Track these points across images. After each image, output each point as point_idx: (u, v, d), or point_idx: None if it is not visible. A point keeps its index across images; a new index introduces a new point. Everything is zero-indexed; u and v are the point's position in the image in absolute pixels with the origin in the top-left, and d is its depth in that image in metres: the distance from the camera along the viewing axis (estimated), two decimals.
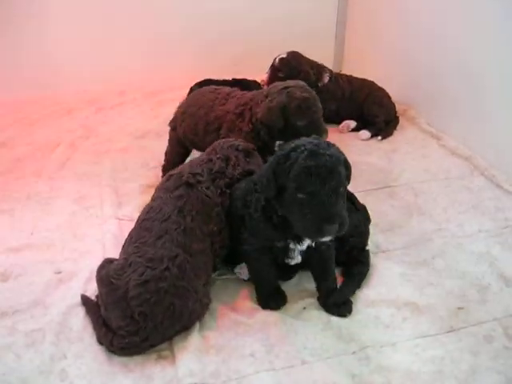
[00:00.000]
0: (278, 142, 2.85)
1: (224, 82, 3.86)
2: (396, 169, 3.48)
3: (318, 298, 2.36)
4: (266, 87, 3.62)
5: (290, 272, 2.49)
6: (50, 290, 2.45)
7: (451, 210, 3.03)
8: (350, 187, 2.26)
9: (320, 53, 4.21)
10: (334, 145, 2.11)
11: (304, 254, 2.30)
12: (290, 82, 2.94)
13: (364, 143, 3.87)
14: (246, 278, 2.46)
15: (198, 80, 4.07)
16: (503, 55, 3.27)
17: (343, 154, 2.12)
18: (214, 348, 2.13)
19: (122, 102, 4.60)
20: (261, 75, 3.85)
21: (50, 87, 4.52)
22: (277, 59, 3.77)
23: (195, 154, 3.20)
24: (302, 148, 2.04)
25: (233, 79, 4.02)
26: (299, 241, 2.23)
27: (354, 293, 2.40)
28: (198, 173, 2.42)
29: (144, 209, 2.38)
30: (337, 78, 4.03)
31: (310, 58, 3.92)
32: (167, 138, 3.42)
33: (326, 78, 3.91)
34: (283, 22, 4.86)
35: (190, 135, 3.19)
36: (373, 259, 2.58)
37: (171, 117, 3.41)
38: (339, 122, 4.01)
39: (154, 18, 4.66)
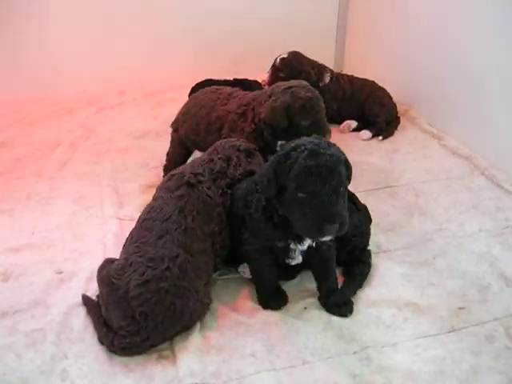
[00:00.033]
0: (279, 142, 2.84)
1: (225, 82, 3.86)
2: (397, 169, 3.47)
3: (319, 298, 2.36)
4: (267, 87, 3.63)
5: (293, 271, 2.48)
6: (51, 289, 2.44)
7: (452, 209, 3.03)
8: (351, 187, 2.26)
9: (320, 54, 4.20)
10: (334, 145, 2.11)
11: (305, 254, 2.30)
12: (293, 82, 2.94)
13: (365, 143, 3.87)
14: (249, 277, 2.46)
15: (198, 80, 4.07)
16: (503, 59, 3.27)
17: (344, 154, 2.12)
18: (214, 348, 2.13)
19: (122, 102, 4.59)
20: (261, 75, 3.85)
21: (49, 87, 4.52)
22: (278, 59, 3.76)
23: (197, 154, 3.19)
24: (303, 147, 2.04)
25: (234, 79, 4.02)
26: (300, 241, 2.23)
27: (355, 293, 2.40)
28: (199, 173, 2.42)
29: (145, 208, 2.38)
30: (338, 77, 4.03)
31: (312, 58, 3.91)
32: (167, 138, 3.42)
33: (327, 78, 3.90)
34: (283, 22, 4.86)
35: (191, 136, 3.19)
36: (374, 259, 2.58)
37: (171, 117, 3.41)
38: (340, 122, 4.01)
39: (154, 17, 4.66)
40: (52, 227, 2.90)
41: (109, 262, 2.22)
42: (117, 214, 2.98)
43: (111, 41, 4.59)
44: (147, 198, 2.65)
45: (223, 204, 2.39)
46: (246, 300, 2.39)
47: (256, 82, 4.01)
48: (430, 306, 2.34)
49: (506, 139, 3.29)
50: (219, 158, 2.51)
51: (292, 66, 3.72)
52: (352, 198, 2.59)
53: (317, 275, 2.38)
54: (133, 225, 2.37)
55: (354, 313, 2.30)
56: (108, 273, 2.13)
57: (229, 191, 2.42)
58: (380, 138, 3.89)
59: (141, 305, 2.01)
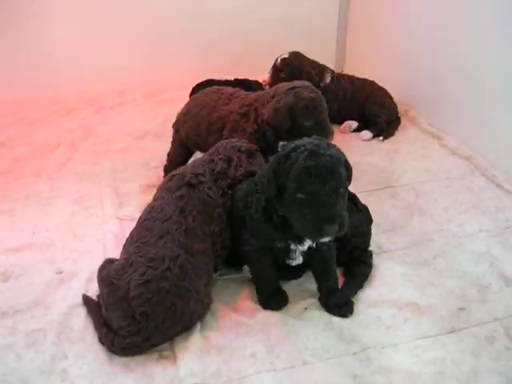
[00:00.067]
0: (281, 143, 2.84)
1: (226, 83, 3.86)
2: (397, 169, 3.47)
3: (320, 299, 2.36)
4: (268, 87, 3.64)
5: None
6: (51, 289, 2.44)
7: (452, 210, 3.03)
8: (351, 187, 2.25)
9: (321, 54, 4.20)
10: (334, 145, 2.11)
11: (305, 254, 2.30)
12: (296, 83, 2.93)
13: (365, 143, 3.87)
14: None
15: (198, 80, 4.07)
16: (503, 59, 3.27)
17: (344, 155, 2.12)
18: (215, 348, 2.13)
19: (122, 102, 4.59)
20: (261, 75, 3.86)
21: (50, 87, 4.52)
22: (279, 59, 3.77)
23: (198, 155, 3.18)
24: (303, 148, 2.04)
25: (235, 79, 4.02)
26: (300, 241, 2.23)
27: (355, 293, 2.39)
28: (200, 173, 2.42)
29: (145, 209, 2.38)
30: (338, 78, 4.03)
31: (312, 58, 3.91)
32: (167, 138, 3.42)
33: (328, 79, 3.90)
34: (283, 22, 4.86)
35: (192, 136, 3.18)
36: (374, 259, 2.57)
37: (171, 117, 3.40)
38: (341, 123, 4.01)
39: (154, 17, 4.66)
40: (52, 227, 2.90)
41: (109, 262, 2.22)
42: (117, 214, 2.98)
43: (111, 41, 4.59)
44: (147, 198, 2.65)
45: (224, 204, 2.39)
46: (247, 300, 2.39)
47: (257, 82, 4.01)
48: (430, 306, 2.34)
49: (506, 139, 3.29)
50: (220, 159, 2.51)
51: (293, 67, 3.72)
52: (353, 199, 2.59)
53: (317, 275, 2.38)
54: (133, 225, 2.37)
55: (354, 313, 2.30)
56: (108, 273, 2.13)
57: (229, 192, 2.42)
58: (380, 138, 3.90)
59: (141, 305, 2.01)
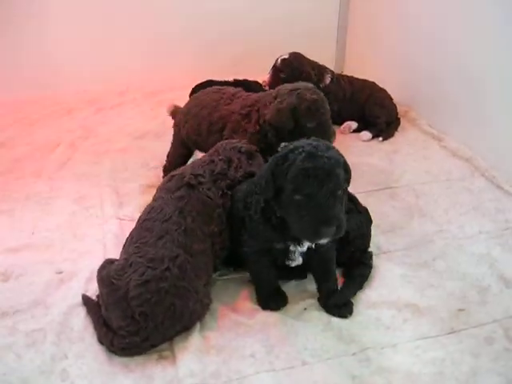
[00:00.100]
0: (282, 144, 2.83)
1: (225, 83, 3.85)
2: (397, 170, 3.47)
3: (319, 299, 2.36)
4: (267, 88, 3.64)
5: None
6: (51, 289, 2.44)
7: (452, 211, 3.03)
8: (350, 188, 2.26)
9: (321, 54, 4.21)
10: (333, 147, 2.11)
11: (305, 255, 2.30)
12: (299, 84, 2.93)
13: (365, 144, 3.87)
14: None
15: (198, 80, 4.06)
16: (503, 59, 3.27)
17: (343, 157, 2.12)
18: (214, 348, 2.13)
19: (122, 102, 4.59)
20: (261, 76, 3.85)
21: (50, 87, 4.51)
22: (279, 60, 3.76)
23: (198, 155, 3.19)
24: (301, 149, 2.03)
25: (234, 80, 4.01)
26: (299, 242, 2.23)
27: (354, 294, 2.40)
28: (199, 174, 2.42)
29: (145, 209, 2.38)
30: (338, 78, 4.03)
31: (312, 59, 3.91)
32: (167, 138, 3.42)
33: (328, 79, 3.90)
34: (283, 22, 4.86)
35: (193, 136, 3.18)
36: (374, 260, 2.57)
37: (170, 118, 3.41)
38: (340, 123, 4.01)
39: (154, 18, 4.66)
40: (52, 227, 2.90)
41: (109, 263, 2.22)
42: (117, 214, 2.98)
43: (111, 41, 4.59)
44: (147, 198, 2.65)
45: (223, 205, 2.39)
46: (246, 301, 2.39)
47: (256, 82, 4.00)
48: (430, 307, 2.34)
49: (506, 140, 3.29)
50: (220, 160, 2.51)
51: (293, 67, 3.72)
52: (352, 200, 2.59)
53: (317, 276, 2.38)
54: (133, 225, 2.37)
55: (353, 314, 2.30)
56: (108, 273, 2.13)
57: (229, 192, 2.43)
58: (380, 139, 3.90)
59: (141, 305, 2.01)
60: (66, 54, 4.56)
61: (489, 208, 3.05)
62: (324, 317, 2.29)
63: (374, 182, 3.32)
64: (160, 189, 2.46)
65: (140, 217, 2.36)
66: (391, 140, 3.92)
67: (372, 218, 2.64)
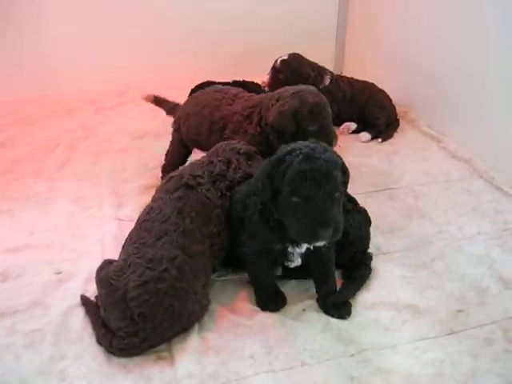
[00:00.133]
0: (283, 146, 2.83)
1: (224, 85, 3.85)
2: (396, 171, 3.48)
3: (318, 300, 2.36)
4: (267, 89, 3.65)
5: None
6: (50, 290, 2.44)
7: (451, 212, 3.03)
8: (349, 189, 2.27)
9: (320, 55, 4.21)
10: (331, 149, 2.11)
11: (304, 256, 2.30)
12: (301, 87, 2.92)
13: (364, 145, 3.87)
14: None
15: (198, 80, 4.05)
16: (503, 59, 3.26)
17: (341, 159, 2.12)
18: (213, 349, 2.12)
19: (122, 102, 4.59)
20: (261, 76, 3.85)
21: (50, 87, 4.51)
22: (278, 61, 3.77)
23: (198, 155, 3.17)
24: (298, 151, 2.03)
25: (233, 81, 4.01)
26: (297, 244, 2.22)
27: (353, 295, 2.40)
28: (198, 175, 2.42)
29: (144, 210, 2.38)
30: (337, 80, 4.03)
31: (311, 60, 3.91)
32: (166, 138, 3.41)
33: (327, 80, 3.90)
34: (283, 23, 4.86)
35: (193, 135, 3.18)
36: (373, 261, 2.57)
37: (170, 117, 3.41)
38: (340, 124, 4.00)
39: (154, 18, 4.66)
40: (51, 227, 2.90)
41: (107, 263, 2.22)
42: (116, 215, 2.98)
43: (111, 41, 4.59)
44: (146, 198, 2.65)
45: (222, 206, 2.39)
46: (245, 302, 2.39)
47: (255, 83, 3.99)
48: (429, 308, 2.34)
49: (506, 142, 3.29)
50: (219, 161, 2.51)
51: (292, 68, 3.73)
52: (351, 201, 2.59)
53: (316, 277, 2.37)
54: (132, 226, 2.37)
55: (352, 315, 2.30)
56: (107, 274, 2.13)
57: (228, 193, 2.42)
58: (379, 140, 3.90)
59: (139, 306, 2.02)
60: (66, 54, 4.56)
61: (488, 209, 3.05)
62: (323, 318, 2.29)
63: (373, 183, 3.32)
64: (159, 189, 2.46)
65: (139, 217, 2.36)
66: (390, 141, 3.92)
67: (371, 219, 2.64)
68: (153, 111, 4.30)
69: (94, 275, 2.24)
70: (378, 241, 2.75)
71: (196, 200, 2.32)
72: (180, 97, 3.82)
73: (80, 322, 2.25)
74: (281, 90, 2.98)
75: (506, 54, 3.24)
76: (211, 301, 2.27)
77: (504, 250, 2.71)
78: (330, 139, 2.75)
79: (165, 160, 3.36)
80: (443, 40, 3.77)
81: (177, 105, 3.53)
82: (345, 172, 2.11)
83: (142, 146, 3.84)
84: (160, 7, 4.63)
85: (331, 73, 4.02)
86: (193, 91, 3.89)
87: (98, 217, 3.00)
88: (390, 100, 4.08)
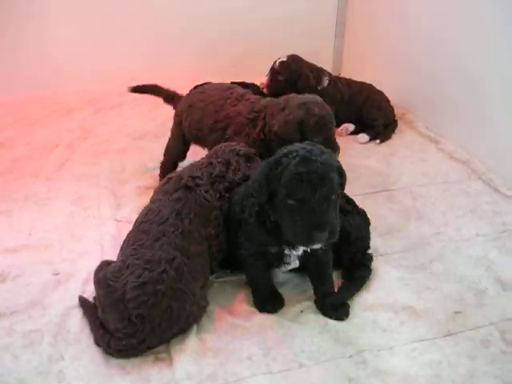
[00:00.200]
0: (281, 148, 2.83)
1: None
2: (394, 172, 3.48)
3: (315, 302, 2.36)
4: (265, 90, 3.65)
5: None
6: (48, 290, 2.45)
7: (449, 213, 3.04)
8: (347, 191, 2.27)
9: (319, 56, 4.22)
10: (328, 151, 2.10)
11: (301, 258, 2.30)
12: (308, 98, 2.90)
13: (362, 146, 3.88)
14: None
15: (198, 80, 4.03)
16: (503, 60, 3.27)
17: (338, 162, 2.12)
18: (211, 351, 2.13)
19: (122, 102, 4.60)
20: (260, 77, 3.85)
21: (50, 87, 4.52)
22: (277, 62, 3.78)
23: (198, 156, 3.17)
24: (294, 154, 2.03)
25: (231, 83, 4.01)
26: (293, 246, 2.22)
27: (352, 296, 2.40)
28: (197, 176, 2.42)
29: (142, 211, 2.39)
30: (336, 81, 4.03)
31: (310, 61, 3.91)
32: (165, 139, 3.41)
33: (326, 82, 3.91)
34: (282, 23, 4.86)
35: (194, 130, 3.17)
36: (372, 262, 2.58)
37: (170, 118, 3.40)
38: (338, 126, 3.97)
39: (154, 18, 4.66)
40: (50, 228, 2.91)
41: (106, 264, 2.23)
42: (114, 216, 2.99)
43: (111, 41, 4.60)
44: (144, 199, 2.66)
45: (221, 207, 2.39)
46: (243, 303, 2.39)
47: (254, 85, 3.99)
48: (427, 310, 2.34)
49: (504, 143, 3.29)
50: (219, 162, 2.51)
51: (291, 70, 3.74)
52: (349, 202, 2.60)
53: (313, 279, 2.38)
54: (130, 227, 2.37)
55: (350, 316, 2.30)
56: (105, 275, 2.13)
57: (227, 195, 2.43)
58: (377, 141, 3.91)
59: (137, 307, 2.02)
60: (66, 54, 4.56)
61: (486, 211, 3.05)
62: (321, 319, 2.29)
63: (371, 184, 3.32)
64: (157, 191, 2.47)
65: (137, 219, 2.36)
66: (388, 142, 3.93)
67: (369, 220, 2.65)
68: (151, 112, 4.33)
69: (92, 276, 2.25)
70: (375, 242, 2.74)
71: (195, 201, 2.33)
72: None
73: (78, 322, 2.25)
74: (287, 97, 2.96)
75: (505, 54, 3.24)
76: (209, 302, 2.28)
77: (502, 251, 2.72)
78: (334, 150, 2.75)
79: (164, 155, 3.36)
80: (442, 41, 3.77)
81: (176, 94, 3.50)
82: (341, 174, 2.11)
83: (141, 146, 3.84)
84: (160, 7, 4.63)
85: (329, 74, 4.03)
86: None
87: (96, 217, 3.00)
88: (388, 101, 4.09)
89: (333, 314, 2.30)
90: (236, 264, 2.45)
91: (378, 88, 4.12)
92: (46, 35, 4.50)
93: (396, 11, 4.32)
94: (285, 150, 2.10)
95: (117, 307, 2.05)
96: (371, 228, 2.66)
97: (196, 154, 3.23)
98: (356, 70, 4.51)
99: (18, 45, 4.45)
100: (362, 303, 2.38)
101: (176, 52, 4.80)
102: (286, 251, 2.24)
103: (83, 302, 2.32)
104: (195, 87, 3.87)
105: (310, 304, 2.37)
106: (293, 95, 2.99)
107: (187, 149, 3.36)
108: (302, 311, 2.34)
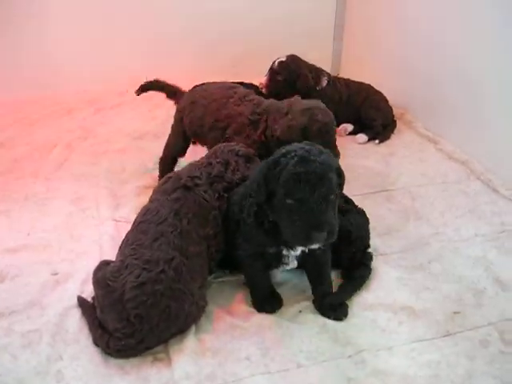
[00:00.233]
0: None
1: None
2: (393, 172, 3.48)
3: (314, 302, 2.36)
4: (264, 90, 3.65)
5: None
6: (47, 290, 2.45)
7: (448, 214, 3.04)
8: (346, 191, 2.27)
9: (317, 56, 4.22)
10: (326, 152, 2.10)
11: (299, 258, 2.30)
12: (311, 103, 2.88)
13: (361, 147, 3.88)
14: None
15: (198, 81, 4.03)
16: (501, 62, 3.26)
17: (336, 162, 2.12)
18: (209, 351, 2.13)
19: (121, 102, 4.60)
20: (260, 77, 3.85)
21: (50, 87, 4.53)
22: (276, 62, 3.78)
23: (197, 156, 3.18)
24: (293, 154, 2.03)
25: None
26: (291, 247, 2.22)
27: (351, 296, 2.40)
28: (196, 176, 2.42)
29: (141, 211, 2.39)
30: (334, 81, 4.04)
31: (308, 62, 3.92)
32: (165, 139, 3.41)
33: (324, 82, 3.91)
34: (283, 23, 4.87)
35: (195, 126, 3.16)
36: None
37: (169, 118, 3.40)
38: (337, 126, 3.96)
39: (154, 18, 4.67)
40: (49, 228, 2.91)
41: (104, 264, 2.22)
42: (113, 216, 2.99)
43: (111, 41, 4.60)
44: (143, 199, 2.66)
45: (219, 208, 2.39)
46: (241, 303, 2.39)
47: (252, 85, 3.99)
48: (426, 310, 2.34)
49: (503, 144, 3.29)
50: (218, 162, 2.51)
51: (290, 70, 3.74)
52: (349, 202, 2.60)
53: (312, 279, 2.38)
54: (129, 227, 2.37)
55: (349, 316, 2.30)
56: (104, 275, 2.13)
57: (225, 195, 2.43)
58: (376, 141, 3.91)
59: (136, 307, 2.02)
60: (66, 54, 4.57)
61: (485, 211, 3.05)
62: (319, 319, 2.29)
63: (370, 184, 3.33)
64: (156, 190, 2.47)
65: (136, 219, 2.36)
66: (387, 142, 3.93)
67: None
68: (151, 112, 4.33)
69: (91, 276, 2.25)
70: (374, 242, 2.73)
71: (193, 201, 2.33)
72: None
73: (77, 322, 2.25)
74: (290, 101, 2.94)
75: (503, 56, 3.24)
76: (208, 302, 2.28)
77: (501, 251, 2.72)
78: (334, 156, 2.75)
79: (163, 152, 3.36)
80: (441, 42, 3.77)
81: (179, 89, 3.51)
82: (340, 174, 2.11)
83: (140, 146, 3.84)
84: (160, 7, 4.64)
85: (328, 74, 4.03)
86: None
87: (95, 217, 3.00)
88: (387, 101, 4.09)
89: (331, 314, 2.30)
90: (234, 264, 2.45)
91: (377, 88, 4.12)
92: (46, 35, 4.51)
93: (394, 13, 4.32)
94: (283, 150, 2.10)
95: (115, 307, 2.04)
96: (370, 228, 2.66)
97: (196, 154, 3.23)
98: (355, 71, 4.51)
99: (17, 45, 4.45)
100: (361, 303, 2.38)
101: (176, 52, 4.80)
102: (284, 252, 2.24)
103: (82, 302, 2.32)
104: (194, 87, 3.88)
105: (309, 304, 2.37)
106: (295, 99, 2.98)
107: (187, 146, 3.36)
108: (300, 311, 2.34)
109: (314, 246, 2.11)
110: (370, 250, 2.62)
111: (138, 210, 2.44)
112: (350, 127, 4.04)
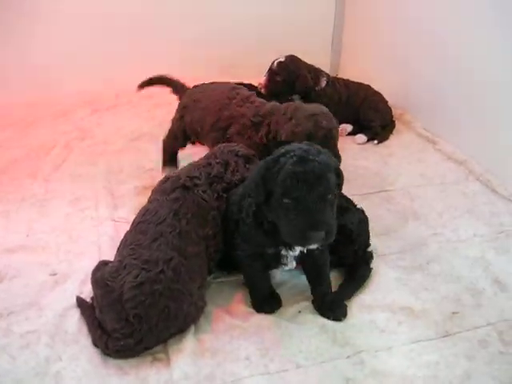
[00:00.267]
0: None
1: None
2: (392, 173, 3.48)
3: (313, 302, 2.36)
4: (263, 90, 3.65)
5: None
6: (45, 291, 2.44)
7: (447, 214, 3.04)
8: (345, 191, 2.27)
9: (316, 56, 4.22)
10: (325, 151, 2.10)
11: (298, 258, 2.30)
12: (315, 109, 2.85)
13: (360, 147, 3.88)
14: None
15: (196, 82, 4.05)
16: (501, 63, 3.26)
17: (335, 162, 2.12)
18: (209, 351, 2.13)
19: (119, 103, 4.59)
20: (259, 77, 3.85)
21: (47, 88, 4.50)
22: (275, 63, 3.78)
23: (197, 157, 3.17)
24: (292, 153, 2.02)
25: None
26: (290, 247, 2.22)
27: (350, 297, 2.40)
28: (195, 176, 2.42)
29: (140, 211, 2.38)
30: (334, 82, 4.04)
31: (307, 62, 3.92)
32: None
33: (324, 82, 3.91)
34: (282, 23, 4.86)
35: (195, 125, 3.17)
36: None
37: (167, 119, 3.41)
38: None
39: (153, 19, 4.65)
40: (47, 229, 2.90)
41: (103, 264, 2.22)
42: (112, 216, 2.98)
43: (110, 42, 4.58)
44: (142, 200, 2.65)
45: (218, 208, 2.39)
46: (240, 303, 2.39)
47: (251, 85, 3.99)
48: (424, 310, 2.34)
49: (502, 144, 3.29)
50: (217, 163, 2.51)
51: (289, 70, 3.74)
52: (348, 201, 2.60)
53: (310, 280, 2.37)
54: (127, 227, 2.37)
55: (348, 317, 2.30)
56: (102, 275, 2.13)
57: (224, 195, 2.43)
58: (375, 142, 3.91)
59: (135, 307, 2.01)
60: (64, 56, 4.54)
61: (483, 211, 3.06)
62: (318, 320, 2.29)
63: (368, 184, 3.32)
64: (155, 191, 2.46)
65: (134, 219, 2.36)
66: (386, 143, 3.93)
67: None
68: (149, 113, 4.33)
69: (89, 276, 2.24)
70: (373, 243, 2.72)
71: (192, 201, 2.32)
72: (177, 99, 3.82)
73: (76, 323, 2.25)
74: (293, 106, 2.92)
75: (504, 57, 3.24)
76: (207, 302, 2.27)
77: (499, 252, 2.72)
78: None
79: (163, 149, 3.38)
80: (440, 43, 3.77)
81: (183, 86, 3.51)
82: (339, 174, 2.11)
83: (138, 147, 3.84)
84: (159, 8, 4.63)
85: (327, 75, 4.03)
86: None
87: (93, 218, 3.00)
88: (386, 102, 4.09)
89: (330, 315, 2.29)
90: (234, 264, 2.45)
91: (376, 88, 4.12)
92: (44, 36, 4.48)
93: (393, 13, 4.31)
94: (282, 149, 2.09)
95: (114, 307, 2.04)
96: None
97: (196, 153, 3.23)
98: (354, 71, 4.51)
99: (13, 47, 4.43)
100: (360, 304, 2.38)
101: (174, 52, 4.78)
102: (283, 252, 2.23)
103: (81, 302, 2.32)
104: (195, 86, 3.88)
105: (308, 304, 2.37)
106: (298, 103, 2.97)
107: (186, 143, 3.36)
108: (299, 312, 2.34)
109: (312, 246, 2.10)
110: (369, 249, 2.62)
111: (137, 211, 2.44)
112: (349, 127, 4.04)
